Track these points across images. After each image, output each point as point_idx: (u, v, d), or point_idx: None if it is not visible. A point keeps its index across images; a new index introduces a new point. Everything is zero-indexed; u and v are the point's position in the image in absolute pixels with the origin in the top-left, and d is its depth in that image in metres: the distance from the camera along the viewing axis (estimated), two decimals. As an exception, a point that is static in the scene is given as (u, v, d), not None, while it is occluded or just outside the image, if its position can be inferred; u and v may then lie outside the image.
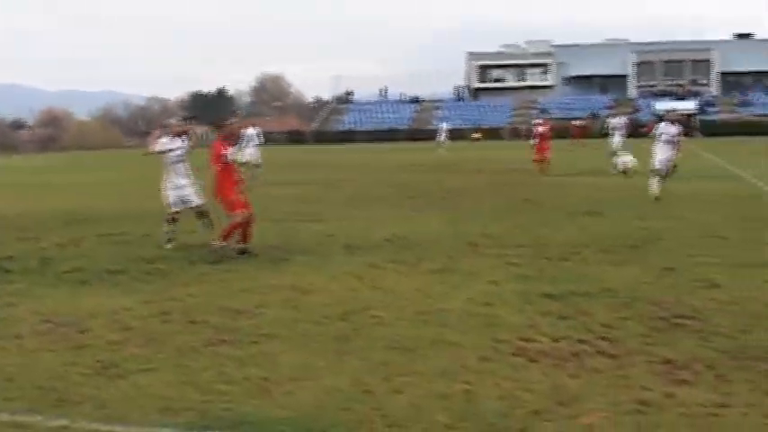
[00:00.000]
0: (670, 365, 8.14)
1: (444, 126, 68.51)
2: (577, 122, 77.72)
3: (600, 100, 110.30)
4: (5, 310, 11.42)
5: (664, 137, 23.50)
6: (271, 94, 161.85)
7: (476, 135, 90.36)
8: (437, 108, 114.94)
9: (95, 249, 16.73)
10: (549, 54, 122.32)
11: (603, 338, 9.15)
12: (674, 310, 10.34)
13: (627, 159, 33.22)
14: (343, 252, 15.47)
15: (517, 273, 13.07)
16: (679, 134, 23.64)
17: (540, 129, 36.99)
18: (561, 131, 72.59)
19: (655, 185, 23.30)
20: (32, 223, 20.35)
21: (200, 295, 11.96)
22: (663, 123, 24.13)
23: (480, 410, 7.00)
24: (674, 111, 27.92)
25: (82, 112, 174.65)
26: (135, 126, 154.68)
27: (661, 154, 23.51)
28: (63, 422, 6.97)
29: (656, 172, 23.55)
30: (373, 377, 7.95)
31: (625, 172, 32.22)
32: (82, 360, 8.85)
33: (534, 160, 36.14)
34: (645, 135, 25.49)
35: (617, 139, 38.04)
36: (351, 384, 7.74)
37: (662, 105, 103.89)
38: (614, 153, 36.10)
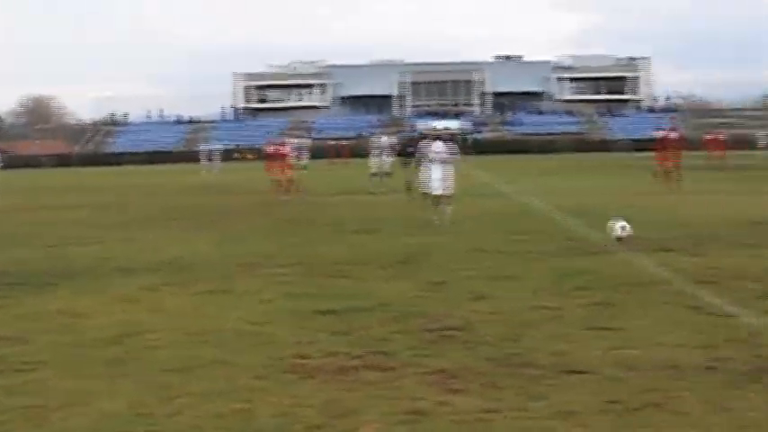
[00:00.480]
0: (441, 375, 8.39)
1: (212, 147, 68.00)
2: (343, 142, 78.85)
3: (371, 120, 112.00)
4: None
5: (436, 156, 22.51)
6: (38, 116, 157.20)
7: (248, 155, 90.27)
8: (211, 129, 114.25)
9: None
10: (322, 74, 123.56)
11: (377, 352, 9.33)
12: (444, 322, 10.64)
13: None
14: (118, 275, 15.23)
15: (290, 291, 13.15)
16: (452, 152, 22.91)
17: (272, 149, 37.07)
18: (325, 151, 73.94)
19: (432, 209, 22.28)
20: None
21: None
22: (436, 142, 23.08)
23: (258, 428, 7.04)
24: (446, 129, 28.77)
25: None
26: None
27: (435, 174, 22.38)
28: None
29: (429, 194, 22.61)
30: (150, 399, 7.87)
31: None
32: None
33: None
34: (412, 155, 26.20)
35: (385, 159, 38.42)
36: (128, 407, 7.64)
37: (431, 124, 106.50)
38: (380, 173, 36.54)
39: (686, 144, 39.46)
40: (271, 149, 37.07)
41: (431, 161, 22.54)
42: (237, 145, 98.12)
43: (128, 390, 8.22)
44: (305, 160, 44.74)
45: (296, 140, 46.59)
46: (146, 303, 12.60)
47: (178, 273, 15.27)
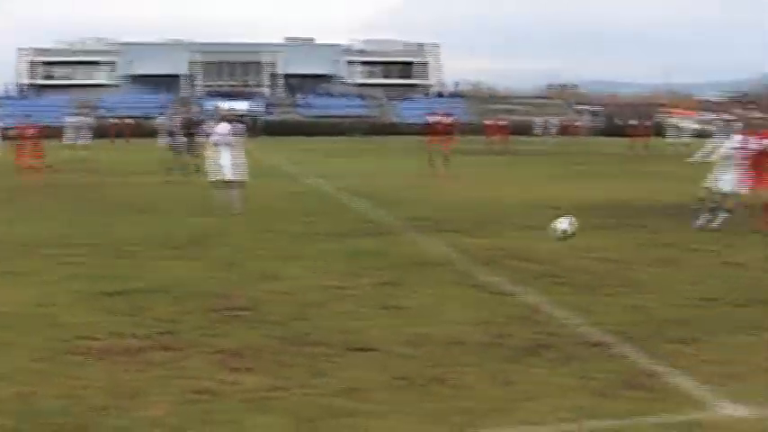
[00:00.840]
0: (229, 354, 8.39)
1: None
2: (127, 121, 76.61)
3: (159, 99, 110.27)
4: None
5: (219, 138, 21.06)
6: None
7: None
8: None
9: None
10: (113, 52, 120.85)
11: (164, 333, 9.24)
12: (232, 303, 10.63)
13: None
14: None
15: (74, 272, 12.82)
16: (235, 134, 21.28)
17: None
18: (107, 130, 72.17)
19: (224, 194, 20.63)
20: None
21: None
22: (221, 124, 21.69)
23: (41, 411, 6.87)
24: (231, 110, 28.28)
25: None
26: None
27: (224, 159, 20.83)
28: None
29: (221, 179, 20.84)
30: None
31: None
32: None
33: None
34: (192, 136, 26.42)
35: (177, 139, 37.62)
36: None
37: (219, 105, 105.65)
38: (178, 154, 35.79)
39: (459, 129, 40.53)
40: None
41: (217, 145, 21.07)
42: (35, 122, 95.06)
43: None
44: (86, 140, 43.29)
45: (76, 119, 45.05)
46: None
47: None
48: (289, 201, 23.02)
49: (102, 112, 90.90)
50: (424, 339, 8.94)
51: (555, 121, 77.02)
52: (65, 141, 43.16)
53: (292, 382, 7.51)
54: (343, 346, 8.69)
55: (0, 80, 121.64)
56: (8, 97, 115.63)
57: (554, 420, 6.64)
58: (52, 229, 17.52)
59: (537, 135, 72.87)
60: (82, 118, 45.52)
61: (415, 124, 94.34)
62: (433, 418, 6.66)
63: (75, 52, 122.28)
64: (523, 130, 73.18)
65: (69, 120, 45.82)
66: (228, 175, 20.63)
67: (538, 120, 77.72)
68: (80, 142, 43.17)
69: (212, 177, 21.01)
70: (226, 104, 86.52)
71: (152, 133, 40.51)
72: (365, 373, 7.78)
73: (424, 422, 6.59)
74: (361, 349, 8.57)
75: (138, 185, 28.37)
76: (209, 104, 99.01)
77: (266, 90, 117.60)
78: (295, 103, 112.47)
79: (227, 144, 20.93)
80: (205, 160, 22.50)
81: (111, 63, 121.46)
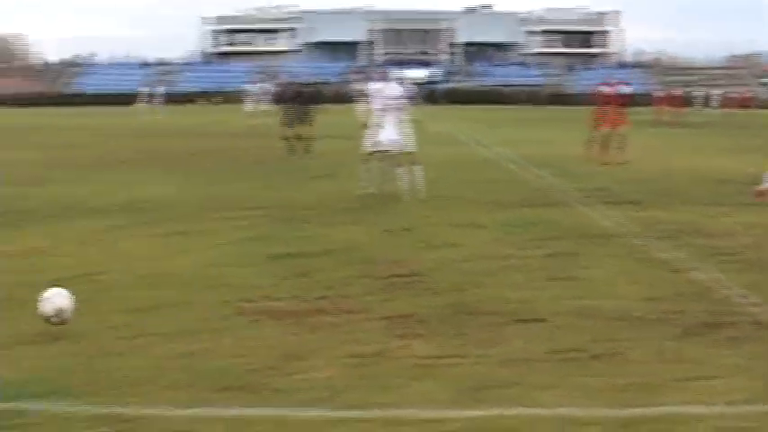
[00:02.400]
0: (398, 320, 8.47)
1: (155, 90, 66.83)
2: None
3: (341, 66, 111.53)
4: None
5: (388, 102, 17.69)
6: (1, 54, 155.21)
7: (213, 98, 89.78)
8: (177, 71, 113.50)
9: None
10: (294, 19, 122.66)
11: (336, 296, 9.41)
12: (403, 269, 10.73)
13: None
14: (78, 216, 15.21)
15: (251, 234, 13.23)
16: (404, 97, 18.19)
17: None
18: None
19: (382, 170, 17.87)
20: None
21: None
22: (390, 84, 18.63)
23: (209, 369, 7.10)
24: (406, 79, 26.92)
25: None
26: None
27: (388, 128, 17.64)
28: None
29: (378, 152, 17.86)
30: (109, 339, 7.92)
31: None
32: None
33: None
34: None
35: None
36: (87, 347, 7.70)
37: (405, 73, 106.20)
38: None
39: (633, 100, 39.10)
40: None
41: (383, 110, 17.75)
42: (204, 90, 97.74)
43: (87, 329, 8.24)
44: (266, 105, 43.93)
45: (257, 86, 45.78)
46: (103, 245, 12.63)
47: (138, 214, 15.27)
48: (462, 169, 23.03)
49: (283, 78, 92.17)
50: (592, 312, 8.85)
51: (718, 92, 74.04)
52: (246, 108, 43.98)
53: (459, 351, 7.55)
54: (510, 316, 8.67)
55: (186, 48, 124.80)
56: (192, 63, 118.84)
57: (722, 402, 6.48)
58: (228, 192, 18.00)
59: (698, 107, 70.43)
60: (262, 85, 46.19)
61: (592, 94, 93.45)
62: (598, 393, 6.59)
63: (256, 20, 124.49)
64: (701, 101, 71.19)
65: (251, 86, 46.59)
66: (392, 146, 17.64)
67: (716, 92, 75.12)
68: (260, 108, 43.96)
69: (368, 148, 18.10)
70: (413, 73, 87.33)
71: (327, 99, 40.76)
72: (531, 345, 7.75)
73: (589, 396, 6.53)
74: (529, 320, 8.53)
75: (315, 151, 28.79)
76: (392, 71, 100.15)
77: (444, 58, 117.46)
78: (473, 71, 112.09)
79: (396, 110, 17.71)
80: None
81: (292, 30, 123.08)
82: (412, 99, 18.05)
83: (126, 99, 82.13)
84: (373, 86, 18.06)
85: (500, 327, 8.31)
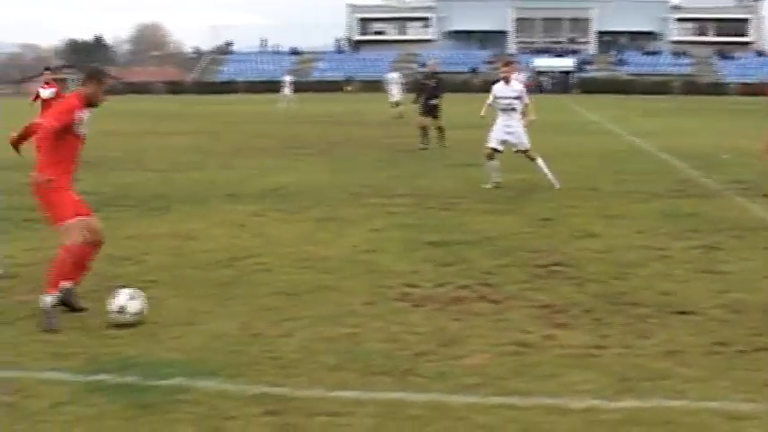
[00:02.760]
0: (548, 309, 8.44)
1: (288, 79, 66.96)
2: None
3: (479, 55, 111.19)
4: None
5: (504, 102, 17.15)
6: (150, 43, 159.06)
7: (348, 87, 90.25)
8: (318, 60, 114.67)
9: (-28, 197, 16.44)
10: (430, 8, 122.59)
11: (484, 284, 9.41)
12: (551, 259, 10.67)
13: None
14: (226, 200, 15.55)
15: (398, 221, 13.32)
16: (520, 96, 17.18)
17: None
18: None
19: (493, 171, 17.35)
20: None
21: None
22: (497, 84, 17.55)
23: (366, 352, 7.18)
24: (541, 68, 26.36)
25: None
26: (8, 74, 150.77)
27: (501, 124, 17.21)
28: (-51, 369, 6.93)
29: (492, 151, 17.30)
30: (260, 321, 8.07)
31: None
32: (-33, 306, 8.78)
33: None
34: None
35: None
36: (238, 328, 7.85)
37: (541, 62, 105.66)
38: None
39: None
40: None
41: (501, 109, 17.26)
42: (349, 77, 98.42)
43: (238, 312, 8.42)
44: (399, 95, 43.70)
45: (395, 74, 45.52)
46: (252, 229, 12.87)
47: (286, 200, 15.50)
48: (606, 158, 22.74)
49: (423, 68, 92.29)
50: (743, 305, 8.64)
51: None
52: (390, 98, 44.00)
53: (611, 341, 7.47)
54: (661, 307, 8.54)
55: (323, 36, 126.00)
56: (339, 51, 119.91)
57: None
58: (374, 180, 18.12)
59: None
60: (393, 75, 45.88)
61: (742, 84, 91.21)
62: (751, 387, 6.44)
63: (392, 9, 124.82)
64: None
65: (390, 75, 46.46)
66: (494, 144, 17.14)
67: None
68: (398, 97, 43.89)
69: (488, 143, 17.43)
70: (553, 62, 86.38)
71: (462, 88, 40.37)
72: (683, 337, 7.61)
73: (742, 390, 6.37)
74: (680, 312, 8.38)
75: (454, 140, 28.74)
76: (527, 61, 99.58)
77: (584, 46, 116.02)
78: (613, 60, 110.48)
79: (505, 109, 17.17)
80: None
81: (427, 19, 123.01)
82: (526, 97, 17.21)
83: (269, 87, 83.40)
84: (496, 86, 17.38)
85: (650, 318, 8.20)
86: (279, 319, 8.16)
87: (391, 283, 9.47)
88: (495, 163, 17.16)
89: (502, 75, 17.23)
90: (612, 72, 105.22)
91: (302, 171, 20.11)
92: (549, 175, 16.82)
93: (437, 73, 28.33)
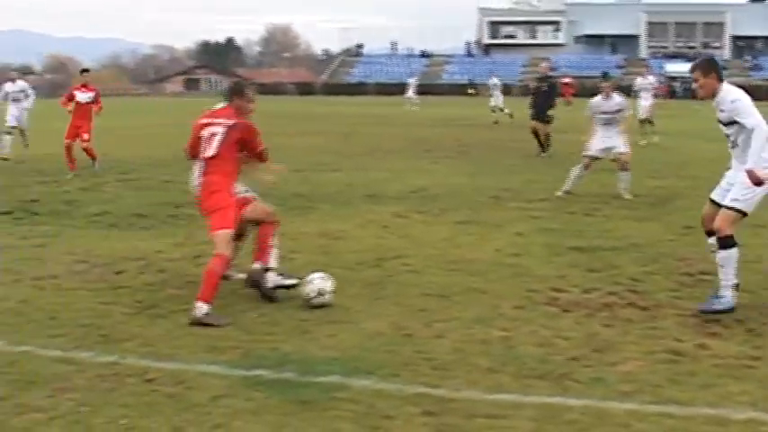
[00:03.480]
0: (700, 318, 8.31)
1: (412, 81, 66.78)
2: (566, 80, 72.17)
3: (610, 60, 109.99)
4: (38, 250, 11.61)
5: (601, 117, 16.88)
6: (280, 44, 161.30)
7: (470, 90, 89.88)
8: (447, 63, 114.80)
9: (119, 194, 16.97)
10: (561, 12, 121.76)
11: (633, 291, 9.34)
12: (698, 267, 10.49)
13: None
14: (367, 201, 15.69)
15: (542, 226, 13.29)
16: (622, 109, 16.90)
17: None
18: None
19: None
20: (52, 167, 20.50)
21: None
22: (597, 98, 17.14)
23: (520, 355, 7.20)
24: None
25: (87, 60, 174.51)
26: (144, 74, 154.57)
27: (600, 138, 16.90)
28: (112, 358, 7.14)
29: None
30: (412, 322, 8.15)
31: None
32: (122, 300, 9.04)
33: None
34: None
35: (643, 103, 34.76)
36: (391, 328, 7.95)
37: (673, 67, 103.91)
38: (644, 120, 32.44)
39: None
40: None
41: (601, 122, 16.86)
42: (470, 80, 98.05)
43: (389, 312, 8.52)
44: (499, 101, 42.89)
45: (496, 80, 44.67)
46: (397, 230, 12.96)
47: (426, 202, 15.57)
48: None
49: (561, 71, 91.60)
50: None
51: None
52: (490, 103, 43.60)
53: (766, 353, 7.34)
54: (817, 318, 8.38)
55: (459, 38, 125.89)
56: (469, 54, 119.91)
57: None
58: (512, 183, 18.08)
59: None
60: (496, 79, 44.90)
61: None
62: None
63: (521, 13, 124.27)
64: None
65: (492, 81, 45.45)
66: (593, 152, 16.83)
67: None
68: (496, 103, 43.23)
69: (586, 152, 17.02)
70: (686, 67, 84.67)
71: (593, 93, 39.54)
72: None
73: None
74: (834, 324, 8.21)
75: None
76: (659, 65, 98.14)
77: (717, 51, 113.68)
78: (748, 65, 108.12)
79: (605, 123, 16.86)
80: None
81: (556, 23, 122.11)
82: (627, 110, 16.91)
83: (399, 89, 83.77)
84: (594, 101, 16.91)
85: (805, 329, 8.03)
86: (430, 320, 8.23)
87: (539, 288, 9.46)
88: (581, 173, 16.80)
89: (603, 90, 16.94)
90: (747, 78, 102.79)
91: (440, 173, 20.16)
92: (624, 188, 16.51)
93: (550, 76, 27.60)
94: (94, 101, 21.06)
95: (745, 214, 8.58)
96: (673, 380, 6.69)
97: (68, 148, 20.24)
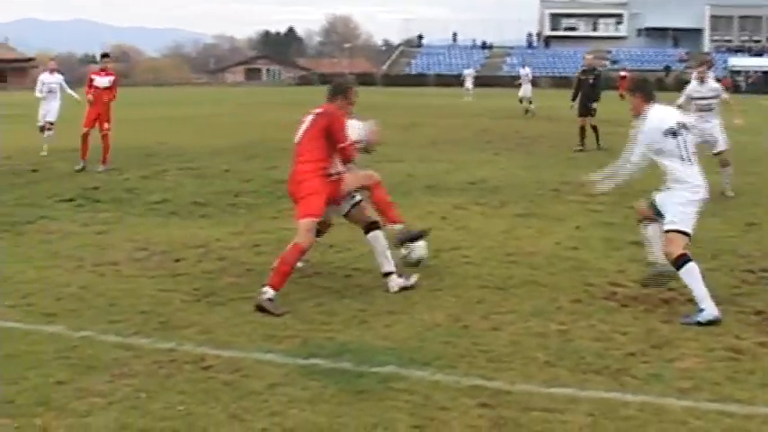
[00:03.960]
0: (761, 317, 8.22)
1: (467, 72, 66.30)
2: (623, 73, 70.35)
3: (673, 53, 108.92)
4: (98, 237, 11.77)
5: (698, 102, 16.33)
6: (340, 35, 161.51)
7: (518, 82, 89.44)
8: (508, 55, 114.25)
9: (179, 182, 17.10)
10: (622, 4, 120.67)
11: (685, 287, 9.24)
12: (760, 264, 10.40)
13: None
14: (426, 193, 15.68)
15: (601, 220, 13.20)
16: (718, 95, 16.45)
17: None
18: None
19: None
20: (113, 156, 20.70)
21: (290, 229, 12.17)
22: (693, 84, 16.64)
23: (577, 349, 7.17)
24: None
25: (149, 49, 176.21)
26: (205, 64, 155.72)
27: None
28: (170, 345, 7.22)
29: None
30: (469, 314, 8.15)
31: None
32: (181, 287, 9.14)
33: None
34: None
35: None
36: (448, 320, 7.95)
37: (737, 61, 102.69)
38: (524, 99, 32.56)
39: None
40: None
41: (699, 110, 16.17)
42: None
43: (447, 303, 8.53)
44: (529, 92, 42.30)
45: (526, 70, 44.01)
46: (456, 221, 12.96)
47: (486, 194, 15.53)
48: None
49: (622, 64, 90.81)
50: None
51: None
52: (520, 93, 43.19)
53: (826, 353, 7.25)
54: None
55: (519, 30, 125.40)
56: (529, 46, 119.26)
57: None
58: (572, 177, 17.90)
59: None
60: (527, 70, 44.18)
61: None
62: None
63: (582, 5, 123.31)
64: None
65: (522, 71, 44.85)
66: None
67: None
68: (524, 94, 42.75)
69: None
70: (750, 61, 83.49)
71: (656, 87, 38.62)
72: None
73: None
74: None
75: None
76: (723, 59, 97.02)
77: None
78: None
79: (703, 109, 16.23)
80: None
81: (618, 15, 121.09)
82: (724, 93, 16.42)
83: (460, 80, 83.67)
84: (690, 86, 16.39)
85: None
86: (487, 312, 8.23)
87: (597, 282, 9.42)
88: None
89: (697, 74, 16.64)
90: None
91: (500, 165, 20.08)
92: (728, 184, 16.22)
93: (595, 69, 26.91)
94: (112, 86, 20.13)
95: (686, 234, 8.60)
96: (732, 378, 6.62)
97: (85, 136, 19.61)
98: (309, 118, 9.12)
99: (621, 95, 52.64)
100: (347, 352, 7.04)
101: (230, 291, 8.98)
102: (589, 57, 27.96)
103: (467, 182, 17.08)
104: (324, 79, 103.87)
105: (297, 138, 9.10)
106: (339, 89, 9.47)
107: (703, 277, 8.26)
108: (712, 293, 8.67)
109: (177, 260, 10.40)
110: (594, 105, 24.81)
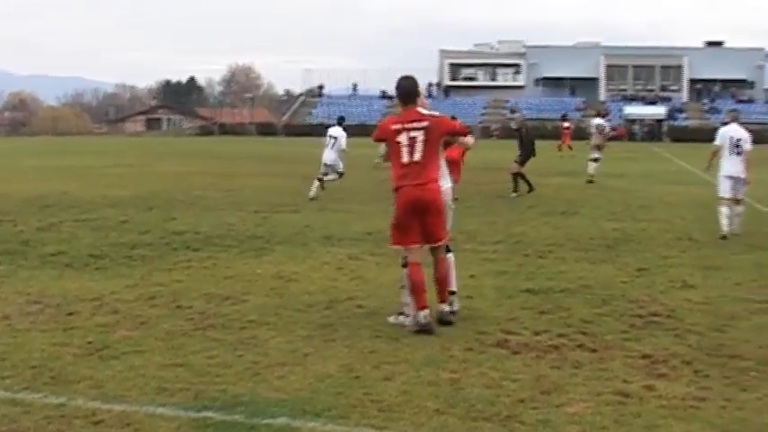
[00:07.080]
0: (648, 360, 8.41)
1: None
2: (566, 124, 67.77)
3: (570, 102, 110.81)
4: (-10, 291, 11.58)
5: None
6: (242, 85, 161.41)
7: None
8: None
9: (75, 234, 16.91)
10: (520, 54, 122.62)
11: (583, 333, 9.42)
12: (649, 309, 10.63)
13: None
14: (323, 243, 15.72)
15: (495, 268, 13.35)
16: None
17: None
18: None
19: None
20: (7, 206, 20.41)
21: (185, 281, 12.18)
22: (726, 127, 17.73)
23: (468, 397, 7.24)
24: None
25: (50, 98, 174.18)
26: (104, 113, 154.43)
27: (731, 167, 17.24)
28: (60, 400, 7.13)
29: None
30: (362, 364, 8.18)
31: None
32: (73, 341, 9.01)
33: None
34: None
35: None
36: (340, 371, 7.98)
37: (632, 110, 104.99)
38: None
39: None
40: None
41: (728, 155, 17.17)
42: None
43: (340, 354, 8.56)
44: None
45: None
46: (350, 272, 13.00)
47: (382, 244, 15.54)
48: (702, 208, 22.47)
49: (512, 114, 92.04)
50: None
51: None
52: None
53: (712, 394, 7.42)
54: (762, 361, 8.45)
55: (419, 80, 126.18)
56: (429, 96, 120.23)
57: None
58: (468, 226, 18.14)
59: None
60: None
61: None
62: None
63: (481, 55, 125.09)
64: None
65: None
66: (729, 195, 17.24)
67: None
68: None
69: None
70: (644, 110, 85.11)
71: (553, 135, 39.62)
72: (788, 392, 7.56)
73: None
74: (781, 367, 8.33)
75: (558, 187, 28.73)
76: (629, 109, 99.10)
77: (675, 94, 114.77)
78: (706, 108, 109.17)
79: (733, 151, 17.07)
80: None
81: (516, 65, 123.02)
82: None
83: (361, 130, 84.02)
84: (724, 129, 17.51)
85: (751, 371, 8.12)
86: (380, 362, 8.27)
87: (489, 330, 9.53)
88: (728, 210, 17.09)
89: (732, 120, 17.83)
90: (705, 120, 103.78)
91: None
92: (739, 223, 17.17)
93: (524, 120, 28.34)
94: None
95: None
96: (618, 421, 6.76)
97: None
98: (413, 135, 9.51)
99: (568, 146, 52.60)
100: (240, 404, 7.04)
101: (123, 344, 8.89)
102: (518, 115, 28.73)
103: (363, 232, 17.16)
104: (224, 129, 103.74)
105: (407, 157, 9.60)
106: (413, 92, 9.80)
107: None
108: (601, 338, 8.89)
109: (70, 313, 10.27)
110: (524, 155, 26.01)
